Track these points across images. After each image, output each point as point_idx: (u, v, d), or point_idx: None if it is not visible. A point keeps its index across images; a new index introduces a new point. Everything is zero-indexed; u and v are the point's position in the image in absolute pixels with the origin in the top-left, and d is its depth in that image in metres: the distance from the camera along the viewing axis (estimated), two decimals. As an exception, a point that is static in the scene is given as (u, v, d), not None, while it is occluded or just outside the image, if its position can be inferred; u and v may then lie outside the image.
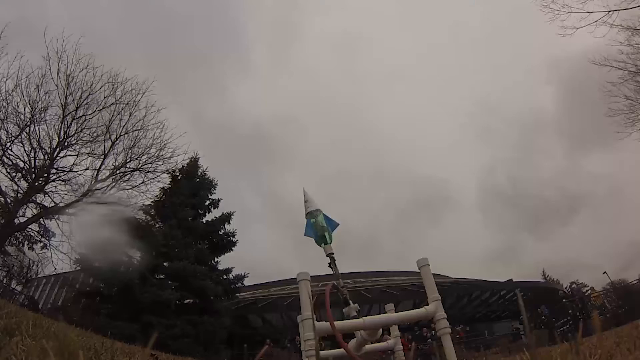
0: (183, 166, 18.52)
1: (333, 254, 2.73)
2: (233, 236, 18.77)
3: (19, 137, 14.62)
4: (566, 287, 34.60)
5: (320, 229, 2.80)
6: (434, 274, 2.38)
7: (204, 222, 18.90)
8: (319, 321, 2.17)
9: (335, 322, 2.07)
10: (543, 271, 42.37)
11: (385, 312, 3.09)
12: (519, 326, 22.06)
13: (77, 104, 15.13)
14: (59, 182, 15.46)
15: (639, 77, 13.39)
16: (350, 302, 2.60)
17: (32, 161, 14.91)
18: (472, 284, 29.96)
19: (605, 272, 17.74)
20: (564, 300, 18.22)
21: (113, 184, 16.15)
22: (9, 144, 14.47)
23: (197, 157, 19.50)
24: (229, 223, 18.97)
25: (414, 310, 2.37)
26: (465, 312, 27.54)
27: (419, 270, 2.38)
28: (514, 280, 29.91)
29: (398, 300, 23.52)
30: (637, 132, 13.76)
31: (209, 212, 19.33)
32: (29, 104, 14.47)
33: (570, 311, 18.35)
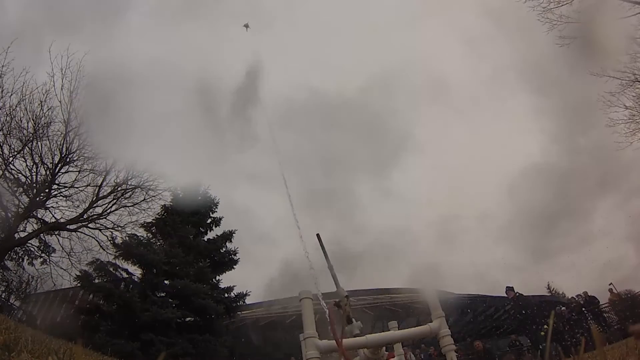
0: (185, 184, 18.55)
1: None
2: (235, 254, 18.58)
3: (22, 152, 14.70)
4: (570, 298, 33.98)
5: None
6: (437, 290, 2.37)
7: (206, 240, 18.78)
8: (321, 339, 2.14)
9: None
10: (548, 284, 41.77)
11: (389, 330, 3.06)
12: (518, 338, 21.54)
13: (80, 120, 15.28)
14: (60, 197, 15.50)
15: (638, 86, 13.39)
16: (353, 319, 2.58)
17: (34, 176, 14.97)
18: (476, 299, 29.52)
19: (611, 283, 17.36)
20: (572, 314, 17.79)
21: (114, 201, 16.17)
22: (11, 158, 14.55)
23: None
24: (231, 241, 18.84)
25: (418, 327, 2.35)
26: (470, 327, 27.12)
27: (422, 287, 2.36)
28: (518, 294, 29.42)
29: (401, 317, 23.16)
30: (638, 142, 13.69)
31: (210, 230, 19.24)
32: (32, 119, 14.58)
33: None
